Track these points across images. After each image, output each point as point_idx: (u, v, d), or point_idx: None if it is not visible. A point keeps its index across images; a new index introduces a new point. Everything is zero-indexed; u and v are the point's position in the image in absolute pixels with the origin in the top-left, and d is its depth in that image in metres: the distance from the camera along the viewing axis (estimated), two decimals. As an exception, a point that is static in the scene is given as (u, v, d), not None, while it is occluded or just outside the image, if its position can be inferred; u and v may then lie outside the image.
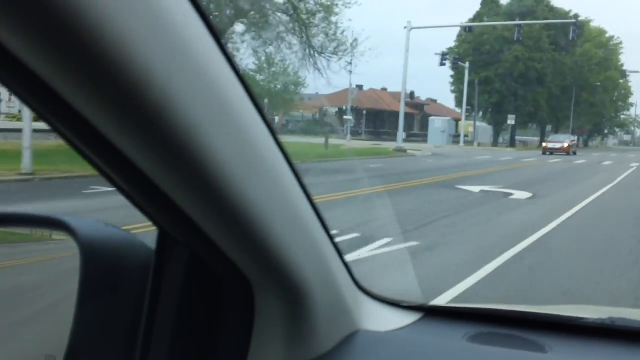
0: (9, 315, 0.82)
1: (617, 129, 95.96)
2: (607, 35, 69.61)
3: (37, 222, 0.83)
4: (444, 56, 42.80)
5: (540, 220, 9.36)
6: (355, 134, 58.75)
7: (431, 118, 54.76)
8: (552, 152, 39.60)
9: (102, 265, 0.73)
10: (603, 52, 67.24)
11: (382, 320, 1.00)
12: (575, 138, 48.65)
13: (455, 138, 53.53)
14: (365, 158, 27.44)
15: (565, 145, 40.71)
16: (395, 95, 47.81)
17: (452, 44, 58.19)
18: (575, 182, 18.07)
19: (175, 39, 0.53)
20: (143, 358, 0.75)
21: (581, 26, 50.18)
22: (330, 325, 0.86)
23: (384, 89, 69.88)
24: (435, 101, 70.54)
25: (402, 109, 34.53)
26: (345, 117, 54.53)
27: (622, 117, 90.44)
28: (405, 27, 35.06)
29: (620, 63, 69.50)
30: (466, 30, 49.34)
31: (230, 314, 0.80)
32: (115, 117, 0.54)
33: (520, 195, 13.19)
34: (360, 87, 77.55)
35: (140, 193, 0.65)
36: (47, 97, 0.53)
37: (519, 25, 39.19)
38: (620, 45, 70.60)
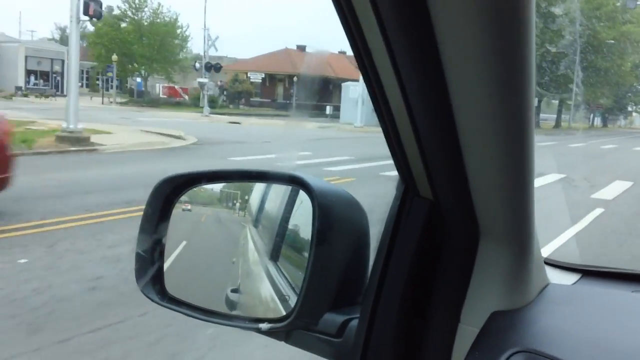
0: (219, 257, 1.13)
1: (644, 105, 77.64)
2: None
3: (282, 179, 1.03)
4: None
5: None
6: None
7: (345, 84, 37.34)
8: None
9: (330, 214, 0.90)
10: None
11: (555, 277, 1.05)
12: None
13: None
14: None
15: None
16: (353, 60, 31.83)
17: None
18: None
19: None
20: (378, 293, 0.87)
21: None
22: (536, 277, 0.92)
23: (342, 52, 54.80)
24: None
25: (75, 60, 16.79)
26: (199, 80, 39.18)
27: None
28: None
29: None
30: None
31: (451, 261, 0.87)
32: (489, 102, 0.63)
33: None
34: (302, 48, 62.45)
35: (426, 161, 0.76)
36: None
37: None
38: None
